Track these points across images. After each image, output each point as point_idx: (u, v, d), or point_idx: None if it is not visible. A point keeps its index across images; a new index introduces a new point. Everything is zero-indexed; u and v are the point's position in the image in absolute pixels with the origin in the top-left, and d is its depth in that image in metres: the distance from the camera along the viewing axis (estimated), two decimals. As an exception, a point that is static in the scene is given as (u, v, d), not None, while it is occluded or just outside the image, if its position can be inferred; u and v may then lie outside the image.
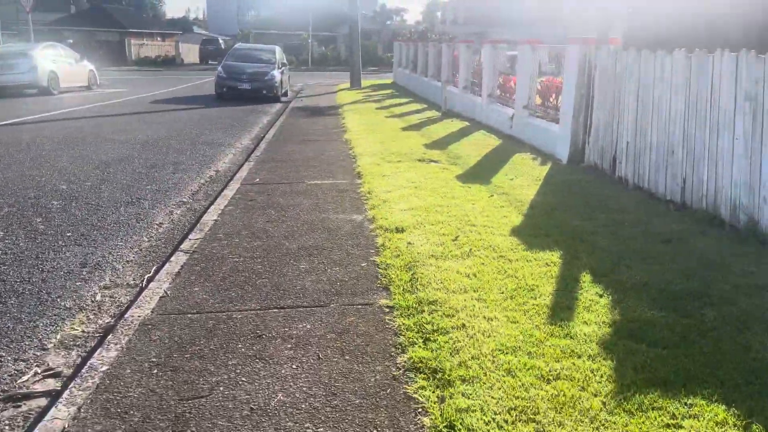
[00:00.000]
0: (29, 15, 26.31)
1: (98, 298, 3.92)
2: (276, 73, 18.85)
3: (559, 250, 4.28)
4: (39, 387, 2.87)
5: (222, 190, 6.69)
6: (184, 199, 6.50)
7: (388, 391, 2.61)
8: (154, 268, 4.41)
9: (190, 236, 4.95)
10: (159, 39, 59.16)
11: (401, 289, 3.65)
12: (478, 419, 2.32)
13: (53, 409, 2.54)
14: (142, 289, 3.99)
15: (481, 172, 7.28)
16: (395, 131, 11.03)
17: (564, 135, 8.13)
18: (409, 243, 4.47)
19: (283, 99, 19.84)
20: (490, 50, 12.40)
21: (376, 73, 38.92)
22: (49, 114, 13.58)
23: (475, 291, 3.56)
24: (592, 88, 7.56)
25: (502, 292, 3.52)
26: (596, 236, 4.66)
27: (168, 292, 3.78)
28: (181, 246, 4.71)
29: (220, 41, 52.93)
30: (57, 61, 19.66)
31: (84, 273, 4.29)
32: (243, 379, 2.73)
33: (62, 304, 3.79)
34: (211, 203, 6.15)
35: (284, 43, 51.99)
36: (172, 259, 4.40)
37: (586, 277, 3.76)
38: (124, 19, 59.74)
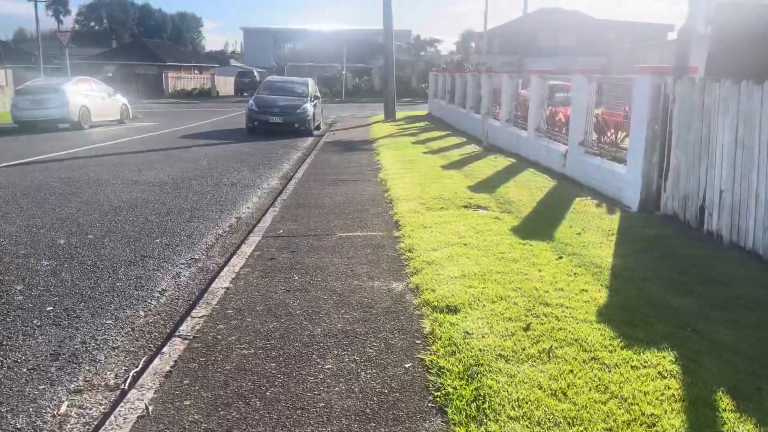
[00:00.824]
0: (66, 49, 26.53)
1: (63, 409, 3.01)
2: (308, 106, 18.22)
3: (671, 348, 3.20)
4: None
5: (240, 245, 5.80)
6: (197, 256, 5.63)
7: None
8: (143, 359, 3.50)
9: (193, 312, 4.04)
10: (196, 72, 60.13)
11: (464, 416, 2.63)
12: None
13: None
14: (122, 394, 3.07)
15: (540, 224, 6.24)
16: (434, 170, 10.08)
17: (633, 178, 7.04)
18: (467, 333, 3.45)
19: (316, 132, 19.18)
20: (537, 81, 11.43)
21: (410, 104, 38.33)
22: (71, 151, 13.08)
23: (570, 425, 2.51)
24: (668, 124, 6.49)
25: (611, 430, 2.47)
26: (711, 324, 3.57)
27: (149, 407, 2.84)
28: (181, 327, 3.79)
29: (255, 73, 53.32)
30: (89, 96, 19.46)
31: (53, 369, 3.39)
32: None
33: (12, 423, 2.88)
34: (226, 262, 5.26)
35: (318, 75, 52.21)
36: (165, 349, 3.48)
37: (724, 402, 2.68)
38: (163, 53, 61.00)
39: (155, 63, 57.33)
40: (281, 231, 6.21)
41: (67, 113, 18.22)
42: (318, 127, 20.42)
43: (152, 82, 48.32)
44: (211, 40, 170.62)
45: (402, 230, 6.03)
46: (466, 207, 7.06)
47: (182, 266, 5.30)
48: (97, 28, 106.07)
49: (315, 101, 19.30)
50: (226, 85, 55.03)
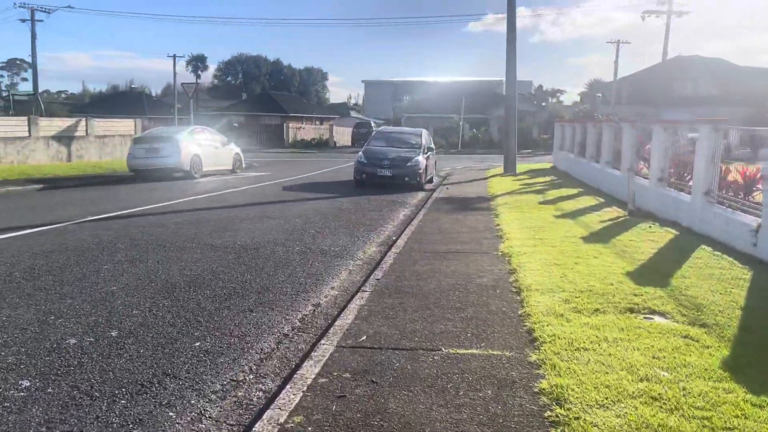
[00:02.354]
0: (191, 100, 27.39)
1: None
2: (420, 159, 16.68)
3: None
4: None
5: (304, 360, 4.07)
6: (241, 376, 3.96)
7: None
8: None
9: None
10: (317, 123, 61.83)
11: None
12: None
13: None
14: None
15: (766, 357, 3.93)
16: (573, 241, 7.92)
17: None
18: None
19: (428, 186, 17.54)
20: (708, 133, 8.99)
21: (531, 156, 35.94)
22: (165, 204, 12.34)
23: None
24: None
25: None
26: None
27: None
28: None
29: (372, 124, 53.53)
30: (202, 145, 19.33)
31: None
32: None
33: None
34: (275, 396, 3.53)
35: (434, 126, 51.30)
36: None
37: None
38: (287, 105, 63.56)
39: (279, 114, 59.73)
40: (364, 337, 4.41)
41: (179, 162, 18.07)
42: (431, 180, 18.81)
43: (274, 132, 49.89)
44: (335, 93, 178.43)
45: (542, 351, 4.00)
46: (631, 310, 4.87)
47: (213, 397, 3.63)
48: (233, 82, 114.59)
49: (428, 153, 17.76)
50: (344, 135, 55.78)
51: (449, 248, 7.84)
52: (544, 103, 67.26)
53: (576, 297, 5.23)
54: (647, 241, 8.01)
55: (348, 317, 4.93)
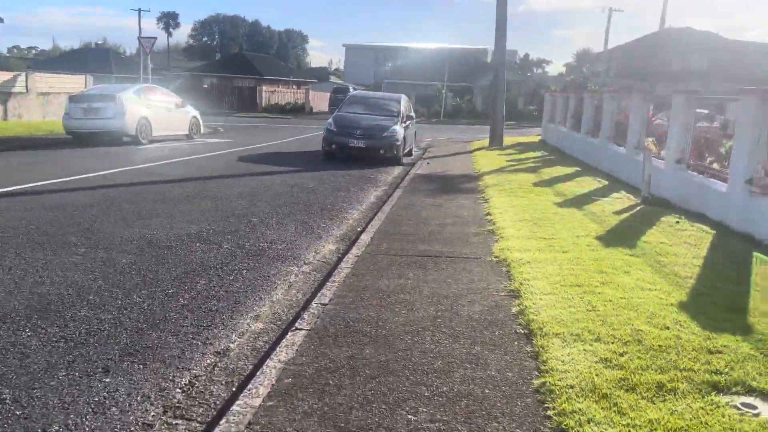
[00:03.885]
0: (149, 56, 24.77)
1: None
2: (398, 128, 14.63)
3: None
4: None
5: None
6: None
7: None
8: None
9: None
10: (294, 87, 58.96)
11: None
12: None
13: None
14: None
15: None
16: (588, 243, 6.05)
17: None
18: None
19: (406, 160, 15.56)
20: (756, 105, 7.14)
21: (516, 128, 34.01)
22: (82, 177, 10.18)
23: None
24: None
25: None
26: None
27: None
28: None
29: (351, 89, 50.97)
30: (152, 107, 16.97)
31: None
32: None
33: None
34: None
35: (417, 94, 48.87)
36: None
37: None
38: (262, 67, 60.41)
39: (253, 76, 56.64)
40: (274, 447, 2.50)
41: (123, 125, 15.76)
42: (410, 153, 16.81)
43: (247, 95, 47.07)
44: (316, 58, 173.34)
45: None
46: (716, 388, 3.02)
47: None
48: (209, 42, 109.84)
49: (407, 122, 15.71)
50: (321, 100, 53.08)
51: (428, 249, 5.93)
52: (529, 74, 65.17)
53: (620, 354, 3.37)
54: (682, 244, 6.18)
55: (257, 391, 3.00)
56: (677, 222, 7.31)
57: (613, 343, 3.52)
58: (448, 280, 4.91)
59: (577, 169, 13.51)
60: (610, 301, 4.27)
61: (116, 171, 10.91)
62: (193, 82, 53.54)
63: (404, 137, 14.93)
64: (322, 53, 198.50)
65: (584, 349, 3.42)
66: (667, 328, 3.77)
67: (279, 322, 4.15)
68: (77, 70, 34.77)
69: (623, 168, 11.91)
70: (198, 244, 5.95)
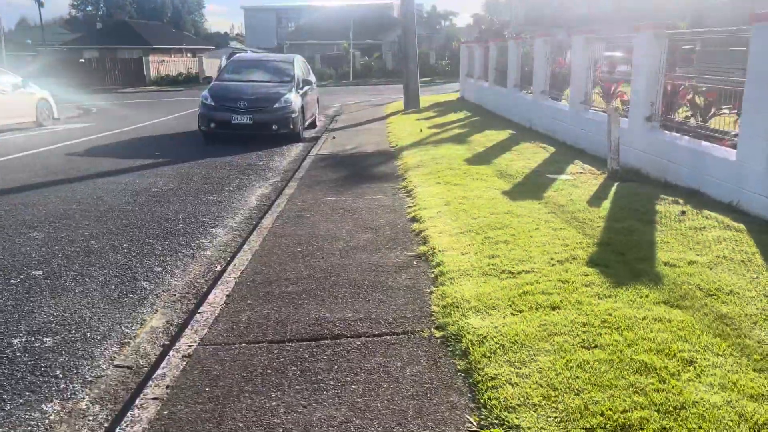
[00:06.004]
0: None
1: None
2: (292, 97, 11.78)
3: None
4: None
5: None
6: None
7: None
8: None
9: None
10: (189, 55, 53.83)
11: None
12: None
13: None
14: None
15: None
16: (584, 276, 3.72)
17: None
18: None
19: (308, 134, 12.83)
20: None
21: (430, 85, 31.68)
22: None
23: None
24: None
25: None
26: None
27: None
28: None
29: (255, 54, 46.75)
30: (-23, 89, 13.19)
31: None
32: None
33: None
34: None
35: (322, 54, 45.49)
36: None
37: None
38: (150, 35, 54.74)
39: (141, 46, 51.11)
40: None
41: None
42: (313, 125, 14.05)
43: (133, 68, 41.90)
44: (217, 24, 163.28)
45: None
46: None
47: None
48: (93, 12, 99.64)
49: (305, 88, 12.88)
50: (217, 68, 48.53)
51: (323, 318, 3.38)
52: (438, 27, 62.89)
53: None
54: (723, 261, 3.95)
55: None
56: (683, 213, 5.11)
57: None
58: (358, 408, 2.39)
59: (511, 132, 11.29)
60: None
61: None
62: (71, 56, 47.44)
63: (302, 107, 12.12)
64: (224, 18, 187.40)
65: None
66: None
67: None
68: None
69: (568, 129, 9.76)
70: None
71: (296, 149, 10.93)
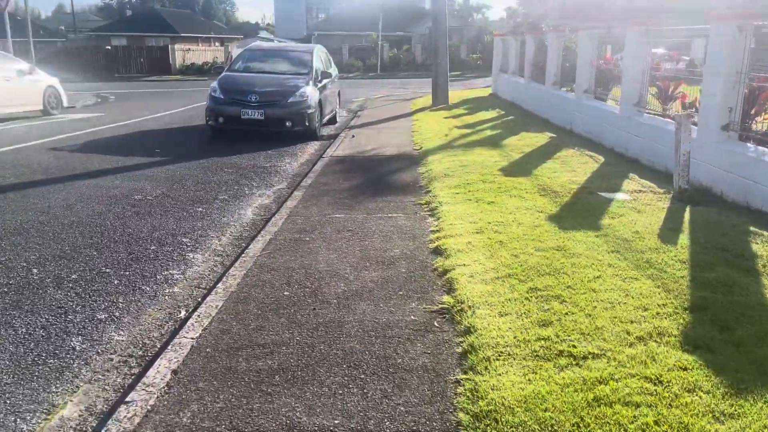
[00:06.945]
0: (5, 14, 19.59)
1: None
2: (309, 90, 10.68)
3: None
4: None
5: None
6: None
7: None
8: None
9: None
10: (217, 44, 53.29)
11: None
12: None
13: None
14: None
15: None
16: (644, 334, 2.57)
17: None
18: None
19: (327, 131, 11.79)
20: None
21: (461, 79, 30.36)
22: None
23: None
24: None
25: None
26: None
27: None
28: None
29: (276, 43, 45.86)
30: (-19, 75, 12.42)
31: None
32: None
33: None
34: None
35: (350, 45, 44.38)
36: None
37: None
38: (179, 24, 54.23)
39: (168, 34, 50.66)
40: None
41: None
42: (333, 120, 12.96)
43: (159, 56, 41.31)
44: (248, 14, 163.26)
45: None
46: None
47: None
48: (127, 0, 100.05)
49: (324, 81, 11.78)
50: (246, 58, 47.72)
51: (299, 410, 2.29)
52: (470, 19, 61.18)
53: None
54: None
55: None
56: (790, 257, 3.88)
57: None
58: None
59: (550, 135, 10.05)
60: None
61: None
62: (99, 43, 47.17)
63: (320, 101, 11.03)
64: (255, 9, 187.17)
65: None
66: None
67: None
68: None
69: (617, 134, 8.50)
70: None
71: (311, 149, 9.87)
